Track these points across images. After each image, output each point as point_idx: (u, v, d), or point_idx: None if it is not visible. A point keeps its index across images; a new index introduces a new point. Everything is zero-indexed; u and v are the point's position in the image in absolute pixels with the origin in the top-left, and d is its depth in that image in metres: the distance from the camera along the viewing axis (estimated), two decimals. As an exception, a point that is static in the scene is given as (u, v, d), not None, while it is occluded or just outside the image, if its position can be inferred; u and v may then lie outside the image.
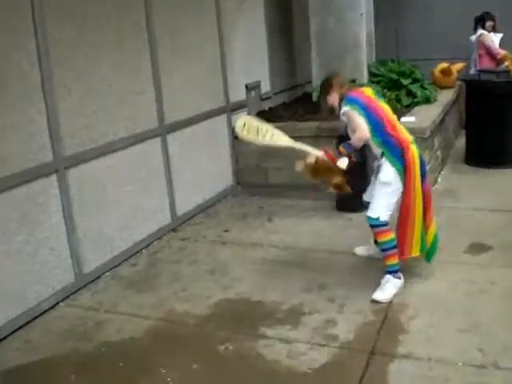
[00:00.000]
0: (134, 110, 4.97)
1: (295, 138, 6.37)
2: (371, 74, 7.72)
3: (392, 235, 4.05)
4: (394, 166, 3.99)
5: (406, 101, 7.09)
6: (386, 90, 7.07)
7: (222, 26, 6.34)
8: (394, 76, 7.45)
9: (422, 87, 7.30)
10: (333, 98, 4.25)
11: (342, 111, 4.12)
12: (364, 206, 4.31)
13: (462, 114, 8.75)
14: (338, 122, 6.01)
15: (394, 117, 4.18)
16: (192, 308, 4.06)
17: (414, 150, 4.01)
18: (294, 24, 8.31)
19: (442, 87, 8.03)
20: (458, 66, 8.34)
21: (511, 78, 6.81)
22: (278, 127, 6.52)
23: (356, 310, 3.88)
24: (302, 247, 4.97)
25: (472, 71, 8.52)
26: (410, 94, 7.22)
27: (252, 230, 5.48)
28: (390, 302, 3.93)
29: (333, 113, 4.31)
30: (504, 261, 4.42)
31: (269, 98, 7.47)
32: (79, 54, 4.37)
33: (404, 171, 3.98)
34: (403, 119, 6.27)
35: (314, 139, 6.24)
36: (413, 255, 4.14)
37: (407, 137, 4.07)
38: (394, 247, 4.05)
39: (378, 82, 7.37)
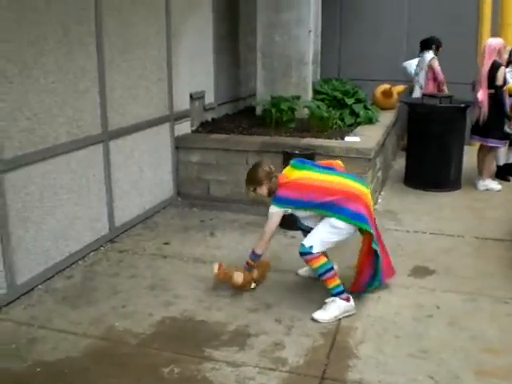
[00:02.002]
0: (78, 113, 4.72)
1: (239, 151, 6.33)
2: (315, 92, 7.74)
3: (324, 259, 4.02)
4: (344, 220, 3.98)
5: (348, 120, 7.14)
6: (330, 109, 7.09)
7: (171, 30, 6.15)
8: (339, 95, 7.50)
9: (365, 107, 7.37)
10: (262, 191, 4.26)
11: (270, 210, 4.15)
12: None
13: (401, 136, 8.91)
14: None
15: (332, 177, 4.08)
16: (133, 326, 3.85)
17: (364, 197, 4.05)
18: (239, 34, 8.21)
19: (383, 108, 8.13)
20: (399, 88, 8.49)
21: (453, 103, 6.94)
22: (221, 139, 6.47)
23: (304, 332, 3.79)
24: (246, 264, 4.84)
25: (417, 94, 8.58)
26: (354, 113, 7.27)
27: (194, 244, 5.30)
28: (338, 325, 3.86)
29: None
30: (448, 285, 4.45)
31: (212, 108, 7.34)
32: (23, 44, 4.08)
33: (359, 218, 3.97)
34: (347, 138, 6.30)
35: (259, 154, 6.17)
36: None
37: (352, 187, 4.04)
38: (330, 270, 4.01)
39: (322, 100, 7.39)
